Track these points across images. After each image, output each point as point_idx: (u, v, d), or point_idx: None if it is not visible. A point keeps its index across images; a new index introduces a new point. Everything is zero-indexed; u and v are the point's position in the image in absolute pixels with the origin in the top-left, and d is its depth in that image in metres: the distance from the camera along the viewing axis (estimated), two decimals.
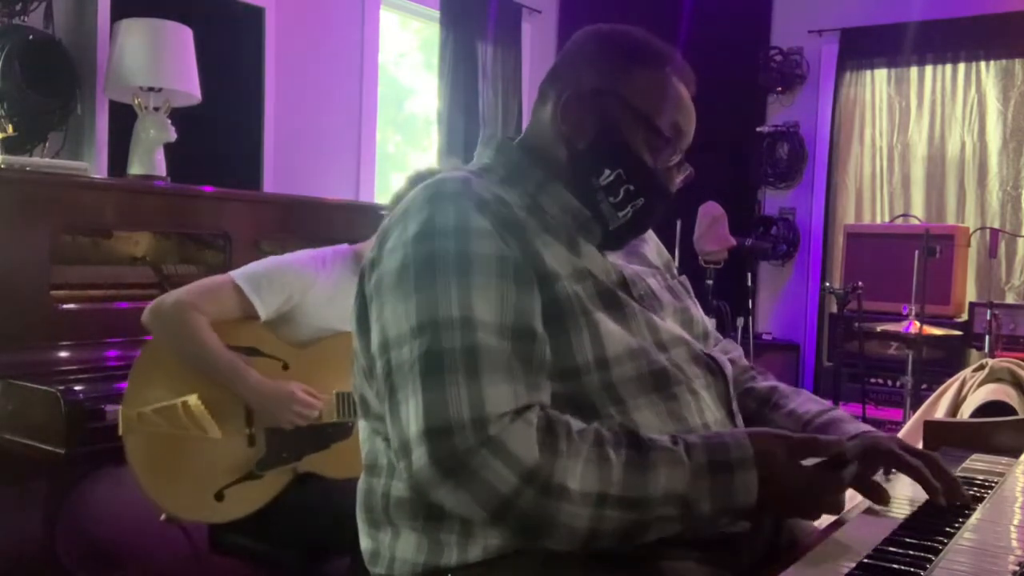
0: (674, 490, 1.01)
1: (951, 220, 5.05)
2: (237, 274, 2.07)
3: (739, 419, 1.25)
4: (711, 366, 1.22)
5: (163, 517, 2.07)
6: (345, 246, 2.23)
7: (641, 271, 1.26)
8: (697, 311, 1.33)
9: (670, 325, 1.22)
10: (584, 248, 1.19)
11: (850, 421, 1.30)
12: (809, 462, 1.07)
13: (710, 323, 1.38)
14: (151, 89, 2.94)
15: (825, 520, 1.14)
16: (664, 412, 1.13)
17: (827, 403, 1.35)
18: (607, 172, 1.20)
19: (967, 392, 2.55)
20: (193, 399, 1.99)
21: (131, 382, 2.02)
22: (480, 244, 1.07)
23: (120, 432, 1.98)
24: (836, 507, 1.06)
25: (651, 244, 1.39)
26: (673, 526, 1.02)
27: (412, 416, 1.01)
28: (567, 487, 0.98)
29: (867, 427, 1.28)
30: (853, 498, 1.19)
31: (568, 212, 1.20)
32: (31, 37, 2.86)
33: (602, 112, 1.21)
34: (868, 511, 1.14)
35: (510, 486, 0.97)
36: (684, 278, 1.38)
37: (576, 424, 1.03)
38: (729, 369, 1.27)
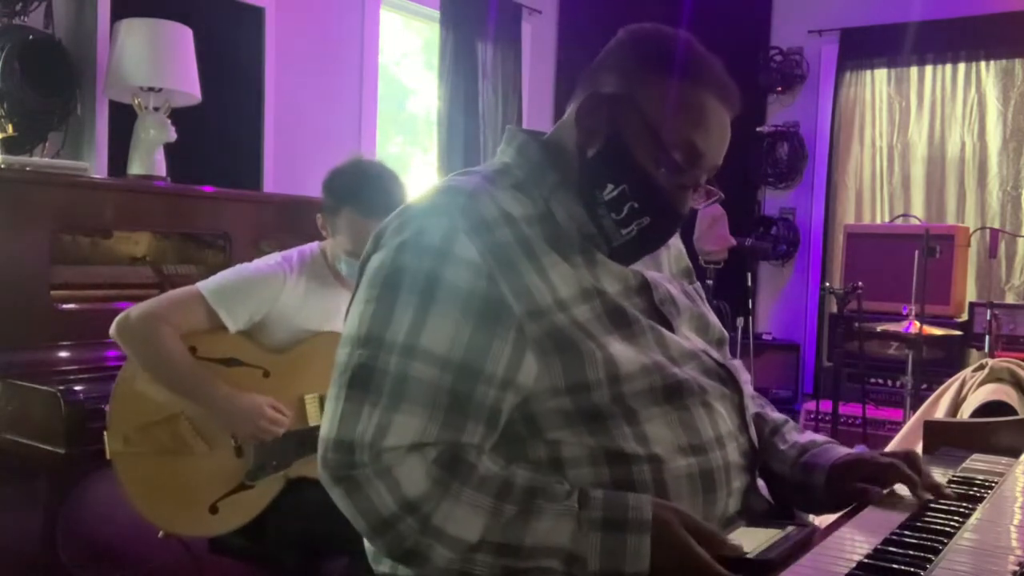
0: (556, 543, 1.00)
1: (951, 220, 5.05)
2: (203, 286, 2.04)
3: (752, 429, 1.25)
4: (723, 376, 1.21)
5: (161, 534, 2.07)
6: (314, 244, 2.20)
7: (658, 276, 1.24)
8: (713, 317, 1.31)
9: (682, 338, 1.19)
10: (599, 255, 1.16)
11: (842, 448, 1.30)
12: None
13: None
14: (151, 89, 2.94)
15: (825, 520, 1.15)
16: (676, 423, 1.12)
17: (828, 438, 1.34)
18: (610, 187, 1.13)
19: (967, 392, 2.55)
20: (176, 415, 2.00)
21: (113, 405, 2.01)
22: (454, 273, 1.05)
23: (108, 456, 1.97)
24: None
25: (672, 250, 1.35)
26: None
27: (328, 420, 1.06)
28: (444, 530, 1.00)
29: (854, 451, 1.30)
30: None
31: (575, 221, 1.16)
32: (31, 37, 2.86)
33: (614, 120, 1.13)
34: (868, 511, 1.14)
35: (390, 511, 1.01)
36: (698, 284, 1.36)
37: (486, 470, 1.03)
38: (744, 378, 1.26)
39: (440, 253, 1.05)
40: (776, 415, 1.38)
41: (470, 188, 1.12)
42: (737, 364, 1.29)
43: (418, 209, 1.12)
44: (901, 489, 1.18)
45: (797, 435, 1.35)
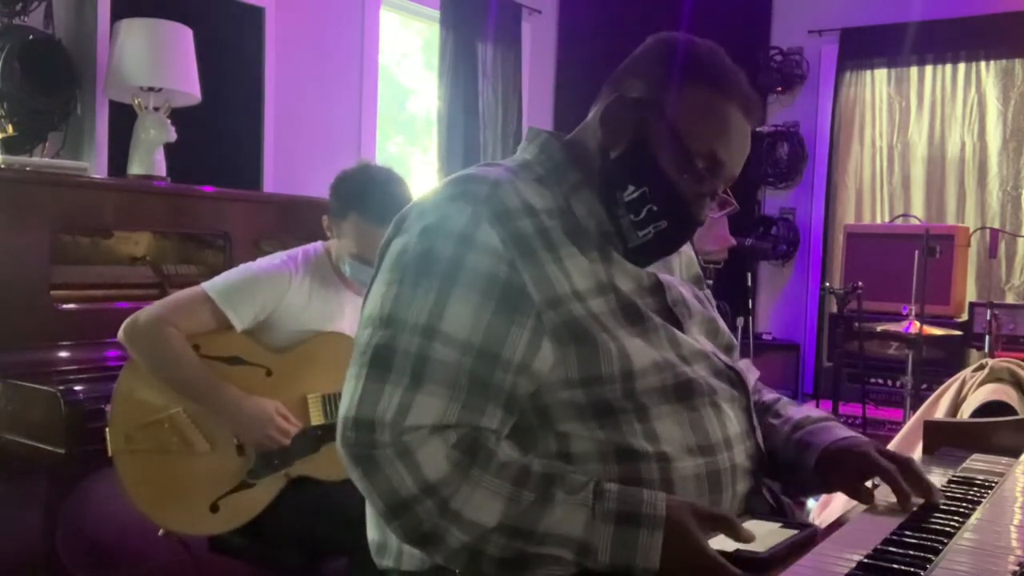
0: (569, 532, 1.00)
1: (951, 220, 5.05)
2: (209, 286, 2.04)
3: (759, 433, 1.25)
4: (732, 379, 1.21)
5: (161, 532, 2.07)
6: (318, 244, 2.20)
7: (671, 279, 1.25)
8: (722, 323, 1.32)
9: (692, 339, 1.20)
10: (615, 254, 1.17)
11: (840, 428, 1.28)
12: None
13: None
14: (151, 89, 2.94)
15: (826, 519, 1.15)
16: (686, 422, 1.13)
17: (826, 413, 1.34)
18: (631, 188, 1.15)
19: (967, 392, 2.54)
20: (178, 413, 2.00)
21: (115, 402, 2.01)
22: (476, 259, 1.06)
23: (109, 453, 1.98)
24: None
25: (683, 256, 1.36)
26: (566, 568, 1.02)
27: (348, 398, 1.06)
28: (462, 514, 1.01)
29: (854, 434, 1.27)
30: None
31: (593, 219, 1.17)
32: (31, 37, 2.86)
33: (639, 124, 1.15)
34: (868, 511, 1.14)
35: (409, 492, 1.01)
36: (708, 292, 1.37)
37: (505, 456, 1.04)
38: (750, 382, 1.27)
39: (463, 239, 1.07)
40: (770, 396, 1.38)
41: (493, 178, 1.13)
42: (747, 363, 1.30)
43: (441, 197, 1.13)
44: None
45: (793, 410, 1.34)
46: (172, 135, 2.95)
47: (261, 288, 2.06)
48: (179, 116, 3.03)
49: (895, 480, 1.15)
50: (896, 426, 4.01)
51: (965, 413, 2.46)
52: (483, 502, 1.01)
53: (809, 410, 1.35)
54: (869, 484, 1.19)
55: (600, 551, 1.00)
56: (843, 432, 1.27)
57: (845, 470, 1.20)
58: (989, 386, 2.50)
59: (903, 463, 1.18)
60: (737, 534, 1.00)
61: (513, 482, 1.02)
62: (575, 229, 1.15)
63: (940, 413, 2.54)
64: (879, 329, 4.05)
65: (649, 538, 0.99)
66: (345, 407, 1.07)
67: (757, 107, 1.18)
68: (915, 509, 1.13)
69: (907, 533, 1.02)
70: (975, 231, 4.87)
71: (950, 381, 2.64)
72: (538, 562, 1.02)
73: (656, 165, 1.15)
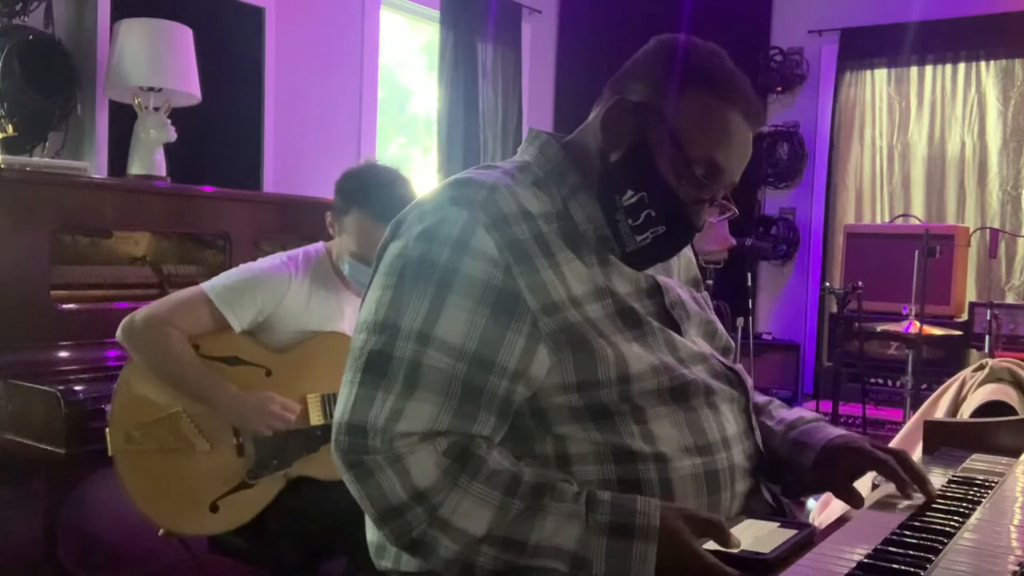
0: (562, 545, 1.00)
1: (951, 220, 5.05)
2: (208, 286, 2.04)
3: (757, 433, 1.25)
4: (731, 379, 1.22)
5: (161, 532, 2.07)
6: (319, 244, 2.20)
7: (670, 281, 1.25)
8: (720, 326, 1.32)
9: (690, 342, 1.20)
10: (612, 257, 1.17)
11: (832, 427, 1.29)
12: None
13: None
14: (151, 89, 2.94)
15: (825, 519, 1.15)
16: (683, 423, 1.13)
17: (817, 415, 1.34)
18: (630, 193, 1.14)
19: (967, 392, 2.54)
20: (178, 413, 2.00)
21: (115, 402, 2.01)
22: (472, 264, 1.06)
23: (109, 453, 1.98)
24: None
25: (683, 259, 1.36)
26: None
27: (342, 403, 1.07)
28: (450, 522, 1.01)
29: (847, 432, 1.28)
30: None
31: (591, 223, 1.17)
32: (31, 37, 2.86)
33: (639, 128, 1.14)
34: (868, 511, 1.14)
35: (399, 499, 1.01)
36: (706, 294, 1.37)
37: (495, 463, 1.03)
38: (749, 383, 1.27)
39: (458, 245, 1.07)
40: (761, 397, 1.38)
41: (490, 182, 1.13)
42: (740, 368, 1.30)
43: (438, 200, 1.13)
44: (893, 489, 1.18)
45: (785, 411, 1.35)
46: (172, 135, 2.95)
47: (260, 289, 2.06)
48: (179, 116, 3.02)
49: (893, 470, 1.16)
50: (896, 426, 4.01)
51: (965, 413, 2.46)
52: (472, 510, 1.01)
53: (801, 411, 1.35)
54: (867, 482, 1.20)
55: (594, 564, 1.00)
56: (836, 431, 1.28)
57: (842, 466, 1.21)
58: (989, 386, 2.49)
59: (898, 454, 1.19)
60: (726, 540, 0.99)
61: (503, 491, 1.02)
62: (572, 233, 1.14)
63: (940, 413, 2.54)
64: (879, 329, 4.05)
65: (644, 549, 0.99)
66: (339, 412, 1.07)
67: (759, 112, 1.17)
68: (914, 504, 1.14)
69: (907, 533, 1.02)
70: (975, 231, 4.87)
71: (950, 381, 2.64)
72: (531, 575, 1.02)
73: (655, 170, 1.14)
